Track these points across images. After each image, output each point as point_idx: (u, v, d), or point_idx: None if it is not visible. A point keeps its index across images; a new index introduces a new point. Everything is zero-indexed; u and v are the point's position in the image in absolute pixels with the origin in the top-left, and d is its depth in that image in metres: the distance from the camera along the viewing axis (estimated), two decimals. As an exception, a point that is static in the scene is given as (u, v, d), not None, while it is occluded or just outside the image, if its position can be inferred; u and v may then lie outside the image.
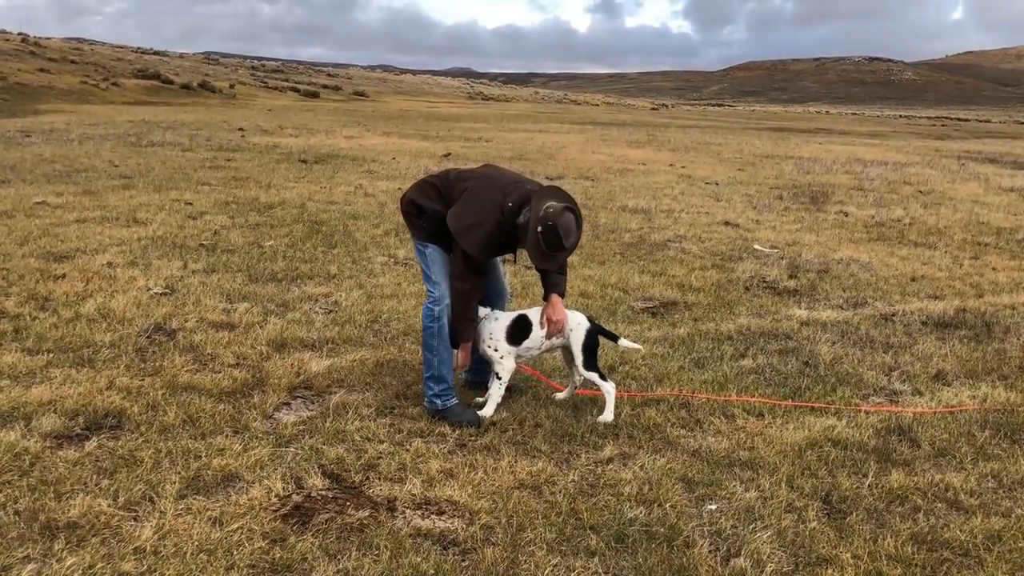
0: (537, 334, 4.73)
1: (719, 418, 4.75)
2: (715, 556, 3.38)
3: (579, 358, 4.72)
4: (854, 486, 4.00)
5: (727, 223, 11.69)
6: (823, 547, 3.46)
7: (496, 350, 4.68)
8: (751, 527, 3.58)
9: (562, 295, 4.79)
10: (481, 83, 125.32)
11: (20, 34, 60.04)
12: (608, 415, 4.66)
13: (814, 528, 3.60)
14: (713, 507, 3.76)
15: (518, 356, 4.77)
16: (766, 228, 11.49)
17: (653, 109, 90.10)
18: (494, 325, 4.71)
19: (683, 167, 19.75)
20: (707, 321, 6.76)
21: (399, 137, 25.25)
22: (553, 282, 4.77)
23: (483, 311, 4.74)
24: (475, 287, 4.59)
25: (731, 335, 6.38)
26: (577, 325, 4.75)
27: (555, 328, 4.71)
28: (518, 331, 4.71)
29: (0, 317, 5.90)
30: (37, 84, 41.63)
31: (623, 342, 4.97)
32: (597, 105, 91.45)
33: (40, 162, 14.83)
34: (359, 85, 74.26)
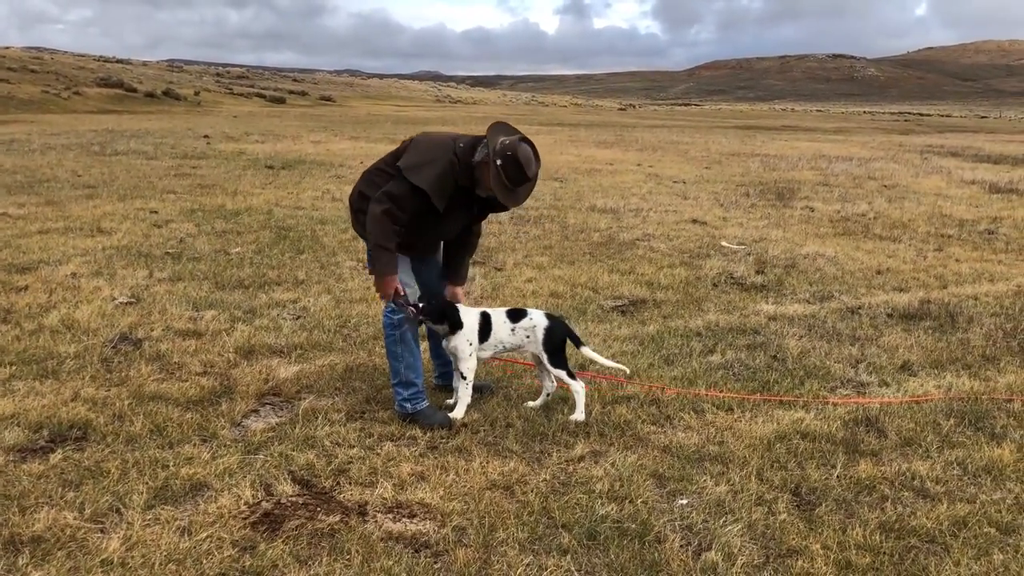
0: (498, 334, 4.73)
1: (689, 413, 4.78)
2: (687, 551, 3.39)
3: (544, 356, 4.72)
4: (823, 477, 4.04)
5: (695, 221, 11.77)
6: (793, 539, 3.49)
7: (469, 343, 4.67)
8: (722, 521, 3.60)
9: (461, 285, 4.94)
10: (448, 86, 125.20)
11: (-22, 44, 59.07)
12: (579, 414, 4.67)
13: (784, 520, 3.63)
14: (684, 502, 3.78)
15: (481, 352, 4.76)
16: (733, 225, 11.58)
17: (620, 109, 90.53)
18: (468, 319, 4.70)
19: (651, 166, 19.86)
20: (676, 318, 6.79)
21: (367, 141, 25.14)
22: (457, 272, 4.91)
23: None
24: (395, 215, 4.38)
25: (700, 331, 6.41)
26: (534, 326, 4.73)
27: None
28: (483, 328, 4.71)
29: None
30: (-3, 94, 40.97)
31: (585, 350, 4.89)
32: (565, 106, 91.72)
33: (1, 173, 14.60)
34: (326, 90, 73.89)
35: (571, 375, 4.74)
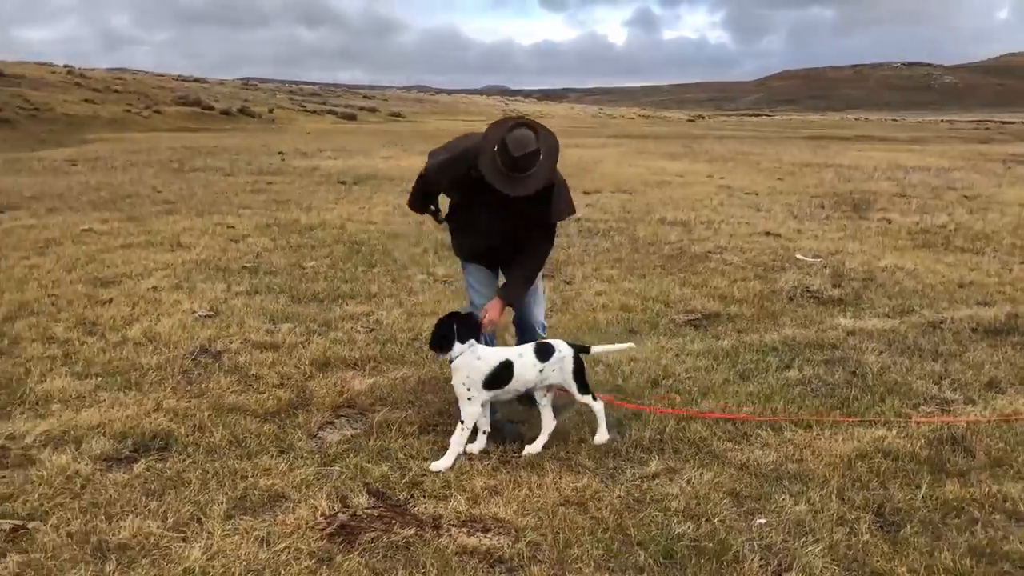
0: (524, 376, 4.35)
1: (766, 431, 4.68)
2: (766, 571, 3.32)
3: (573, 387, 4.43)
4: (907, 498, 3.91)
5: (768, 233, 11.57)
6: (877, 561, 3.39)
7: (468, 389, 4.30)
8: (802, 541, 3.51)
9: (510, 303, 4.66)
10: (516, 100, 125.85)
11: (66, 66, 61.50)
12: (602, 435, 4.46)
13: (867, 541, 3.53)
14: (762, 521, 3.70)
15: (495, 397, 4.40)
16: (808, 237, 11.35)
17: (689, 121, 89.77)
18: (474, 365, 4.32)
19: (721, 178, 19.61)
20: (751, 332, 6.68)
21: (436, 156, 25.39)
22: (507, 286, 4.72)
23: (463, 347, 4.33)
24: (417, 188, 4.80)
25: (776, 346, 6.29)
26: (563, 358, 4.40)
27: (484, 326, 4.54)
28: (498, 377, 4.32)
29: (50, 342, 6.01)
30: (82, 114, 42.58)
31: (596, 349, 4.69)
32: (632, 118, 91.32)
33: (86, 190, 15.15)
34: (395, 106, 74.95)
35: (594, 397, 4.52)
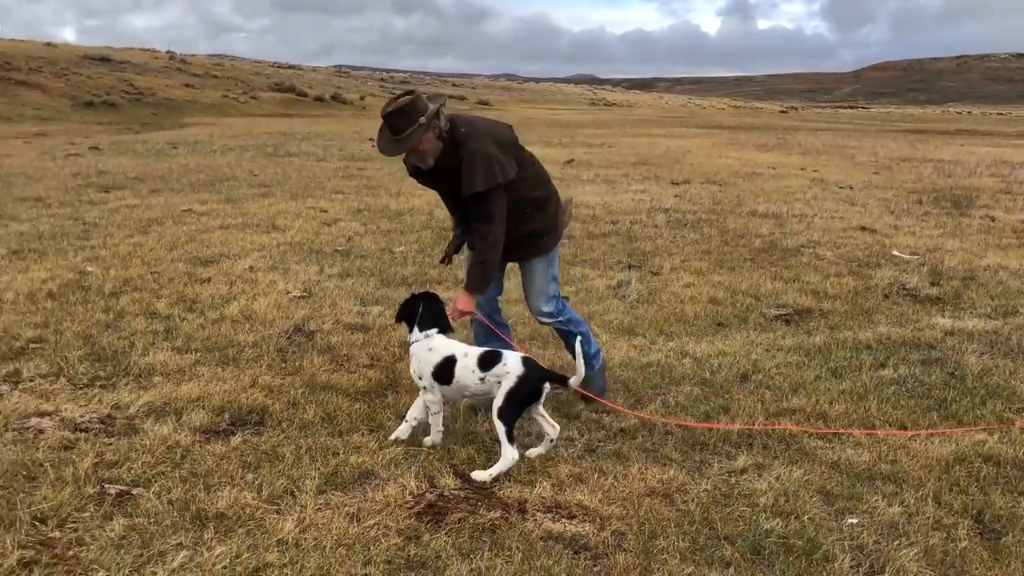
0: (462, 380, 4.16)
1: (858, 429, 4.57)
2: (857, 572, 3.25)
3: (496, 404, 3.99)
4: (1009, 505, 3.77)
5: (863, 228, 11.24)
6: (976, 568, 3.28)
7: (420, 378, 4.26)
8: (896, 543, 3.42)
9: (470, 291, 4.52)
10: (604, 89, 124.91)
11: (168, 52, 63.67)
12: (486, 474, 3.89)
13: (965, 547, 3.41)
14: (854, 521, 3.61)
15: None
16: (905, 233, 10.99)
17: (782, 112, 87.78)
18: (426, 355, 4.26)
19: (815, 171, 19.13)
20: (844, 329, 6.51)
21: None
22: (466, 273, 4.68)
23: (419, 335, 4.31)
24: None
25: (870, 344, 6.12)
26: (505, 374, 4.02)
27: (452, 317, 4.48)
28: (442, 373, 4.20)
29: (152, 317, 6.26)
30: (183, 99, 44.08)
31: (574, 381, 4.16)
32: (723, 108, 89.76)
33: (186, 172, 15.68)
34: (483, 94, 75.28)
35: (510, 438, 3.95)
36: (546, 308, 4.86)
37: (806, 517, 3.61)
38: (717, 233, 10.62)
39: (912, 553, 3.34)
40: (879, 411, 4.83)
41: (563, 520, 3.56)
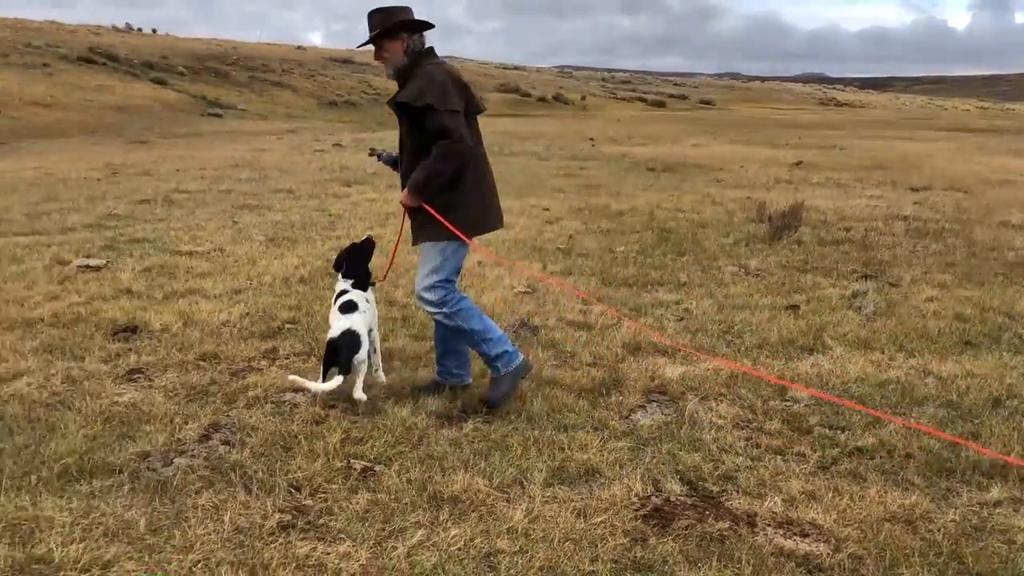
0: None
1: None
2: None
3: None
4: None
5: None
6: None
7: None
8: None
9: (410, 189, 4.55)
10: (834, 88, 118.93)
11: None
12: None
13: None
14: None
15: None
16: None
17: (1038, 114, 79.86)
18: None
19: (1079, 180, 17.28)
20: (1116, 357, 5.84)
21: (746, 145, 24.75)
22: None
23: (344, 283, 5.00)
24: None
25: None
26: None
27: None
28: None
29: (391, 306, 6.64)
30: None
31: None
32: (968, 110, 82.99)
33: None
34: (705, 93, 73.88)
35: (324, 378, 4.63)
36: (422, 291, 4.65)
37: (1073, 562, 3.28)
38: (963, 244, 9.83)
39: None
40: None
41: (795, 537, 3.44)
